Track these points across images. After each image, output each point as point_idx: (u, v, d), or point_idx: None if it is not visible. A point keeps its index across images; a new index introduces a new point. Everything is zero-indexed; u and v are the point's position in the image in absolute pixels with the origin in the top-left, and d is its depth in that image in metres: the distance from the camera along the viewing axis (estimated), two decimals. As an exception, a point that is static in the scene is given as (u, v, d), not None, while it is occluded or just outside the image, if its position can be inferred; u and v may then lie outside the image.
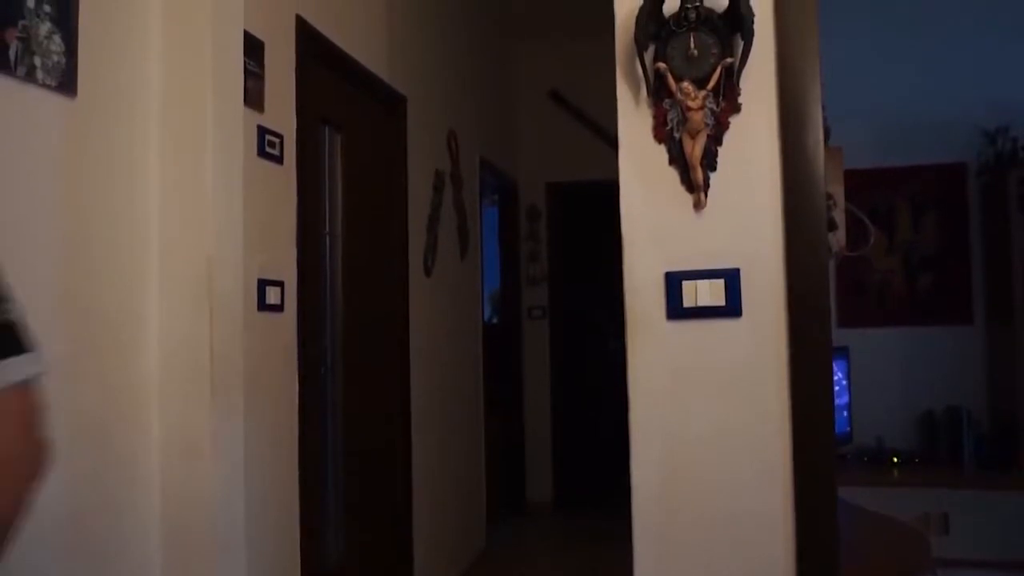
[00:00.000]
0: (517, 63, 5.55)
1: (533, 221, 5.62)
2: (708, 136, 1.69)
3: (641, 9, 1.70)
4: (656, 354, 1.73)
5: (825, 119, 1.81)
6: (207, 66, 1.98)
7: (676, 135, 1.71)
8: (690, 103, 1.66)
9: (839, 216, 2.42)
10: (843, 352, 3.72)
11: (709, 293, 1.69)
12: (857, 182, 3.23)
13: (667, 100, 1.70)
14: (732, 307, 1.69)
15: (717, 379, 1.70)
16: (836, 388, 3.54)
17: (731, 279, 1.68)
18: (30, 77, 1.63)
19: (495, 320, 5.56)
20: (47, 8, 1.67)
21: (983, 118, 3.89)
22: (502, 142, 5.24)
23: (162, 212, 1.98)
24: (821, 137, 1.68)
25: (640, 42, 1.70)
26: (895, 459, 3.90)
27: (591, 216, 5.07)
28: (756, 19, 1.66)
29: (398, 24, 3.44)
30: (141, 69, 1.95)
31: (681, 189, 1.72)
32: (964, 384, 3.98)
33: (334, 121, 2.96)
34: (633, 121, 1.76)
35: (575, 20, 4.45)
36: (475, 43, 4.68)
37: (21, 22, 1.61)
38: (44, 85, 1.66)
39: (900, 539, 2.39)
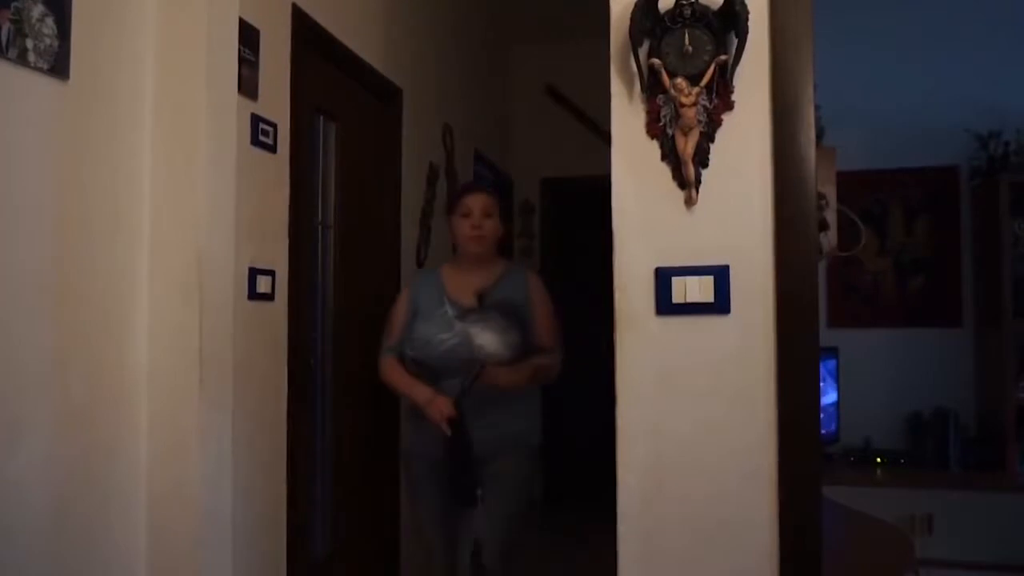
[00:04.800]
0: (513, 58, 5.55)
1: (527, 216, 5.62)
2: (701, 133, 1.69)
3: (636, 5, 1.70)
4: (644, 350, 1.73)
5: (818, 119, 1.81)
6: (201, 53, 1.97)
7: (669, 131, 1.71)
8: (683, 99, 1.66)
9: (831, 216, 2.43)
10: (833, 352, 3.74)
11: (698, 289, 1.69)
12: (851, 184, 3.25)
13: (661, 96, 1.71)
14: (721, 304, 1.69)
15: (704, 375, 1.71)
16: (824, 388, 3.56)
17: (720, 276, 1.69)
18: (22, 60, 1.62)
19: (487, 314, 5.56)
20: (40, -10, 1.66)
21: (976, 122, 3.91)
22: (497, 136, 5.23)
23: (153, 200, 1.98)
24: (813, 136, 1.69)
25: (635, 38, 1.70)
26: (881, 459, 3.93)
27: (585, 211, 5.07)
28: (751, 17, 1.66)
29: (394, 15, 3.43)
30: (135, 54, 1.94)
31: (673, 185, 1.72)
32: (952, 386, 4.00)
33: (329, 111, 2.96)
34: (626, 117, 1.76)
35: (571, 16, 4.45)
36: (471, 37, 4.67)
37: (14, 4, 1.60)
38: (36, 68, 1.65)
39: (883, 539, 2.41)
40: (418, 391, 2.49)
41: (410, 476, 2.66)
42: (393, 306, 2.72)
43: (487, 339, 2.36)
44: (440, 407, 2.38)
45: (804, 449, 1.66)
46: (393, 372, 2.62)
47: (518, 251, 5.59)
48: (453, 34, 4.30)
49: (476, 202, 2.61)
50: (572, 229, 5.59)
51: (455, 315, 2.47)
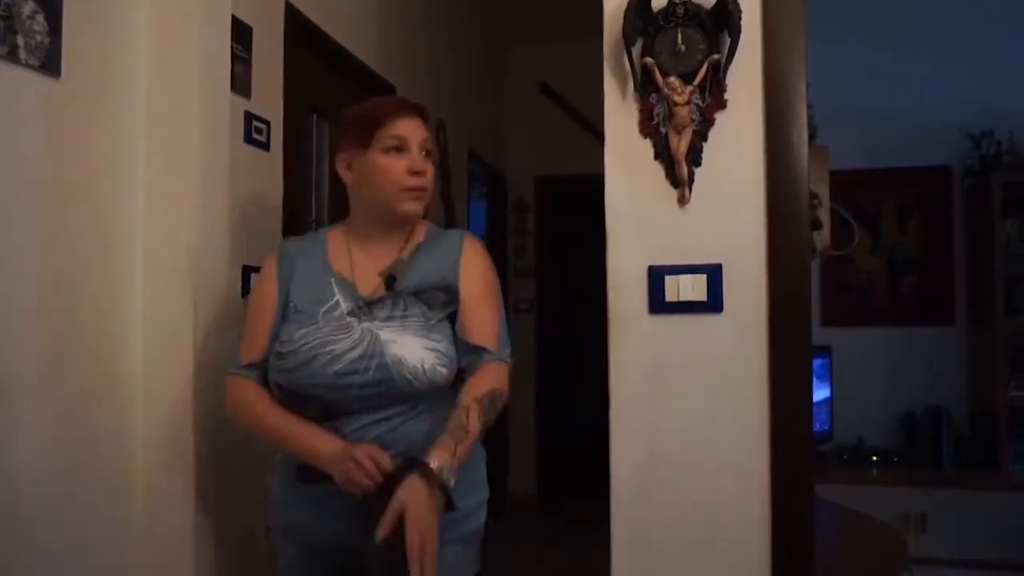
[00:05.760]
0: (507, 56, 5.55)
1: (521, 214, 5.62)
2: (694, 131, 1.69)
3: (629, 4, 1.71)
4: (637, 348, 1.73)
5: (811, 118, 1.82)
6: (194, 50, 1.96)
7: (662, 130, 1.71)
8: (676, 98, 1.67)
9: (824, 215, 2.44)
10: (826, 351, 3.75)
11: (691, 288, 1.70)
12: (844, 183, 3.25)
13: (654, 95, 1.71)
14: (714, 302, 1.69)
15: (697, 374, 1.71)
16: (817, 386, 3.57)
17: (713, 274, 1.69)
18: (12, 57, 1.61)
19: (481, 313, 5.56)
20: (31, -13, 1.65)
21: (968, 121, 3.92)
22: (491, 135, 5.23)
23: (146, 198, 1.96)
24: (806, 135, 1.69)
25: (628, 36, 1.70)
26: (874, 458, 3.94)
27: (579, 210, 5.08)
28: (743, 16, 1.66)
29: (388, 13, 3.42)
30: (127, 51, 1.93)
31: (666, 184, 1.73)
32: (945, 384, 4.02)
33: (322, 108, 2.95)
34: (620, 115, 1.76)
35: (565, 15, 4.44)
36: (465, 35, 4.67)
37: (4, 0, 1.59)
38: (27, 65, 1.64)
39: (876, 537, 2.42)
40: (323, 442, 1.45)
41: (280, 568, 1.63)
42: (251, 295, 1.70)
43: (406, 348, 1.47)
44: (367, 461, 1.37)
45: (797, 447, 1.66)
46: (263, 408, 1.56)
47: (512, 250, 5.59)
48: (447, 32, 4.30)
49: (413, 130, 1.60)
50: (566, 227, 5.59)
51: (351, 309, 1.54)
